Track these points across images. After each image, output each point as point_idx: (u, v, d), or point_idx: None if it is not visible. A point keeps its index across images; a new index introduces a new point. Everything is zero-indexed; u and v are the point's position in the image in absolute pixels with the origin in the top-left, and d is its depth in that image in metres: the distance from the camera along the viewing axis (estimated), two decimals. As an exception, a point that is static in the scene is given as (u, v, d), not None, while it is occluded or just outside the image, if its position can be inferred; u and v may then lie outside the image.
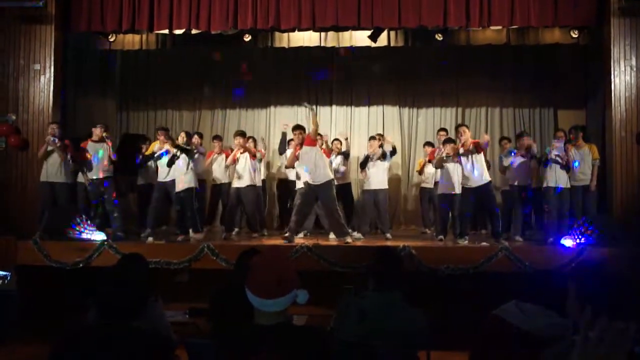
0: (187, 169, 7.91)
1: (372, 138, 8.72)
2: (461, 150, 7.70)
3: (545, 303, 2.89)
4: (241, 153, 8.36)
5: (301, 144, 7.55)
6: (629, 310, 2.24)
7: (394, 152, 8.94)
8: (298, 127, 7.82)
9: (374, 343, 2.97)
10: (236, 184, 8.36)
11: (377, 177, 8.40)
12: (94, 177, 7.95)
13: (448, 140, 8.16)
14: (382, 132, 10.44)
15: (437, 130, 9.99)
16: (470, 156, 7.62)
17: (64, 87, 8.70)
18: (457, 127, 8.24)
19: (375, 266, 3.22)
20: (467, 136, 7.73)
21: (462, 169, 7.73)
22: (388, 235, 8.25)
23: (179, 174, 7.90)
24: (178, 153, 7.87)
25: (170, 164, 7.88)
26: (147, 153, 8.61)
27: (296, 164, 7.90)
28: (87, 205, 8.19)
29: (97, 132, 8.07)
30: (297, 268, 2.30)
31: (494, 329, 2.91)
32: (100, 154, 7.96)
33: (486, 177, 7.65)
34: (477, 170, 7.59)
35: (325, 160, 7.70)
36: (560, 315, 2.86)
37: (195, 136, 9.47)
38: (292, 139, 9.37)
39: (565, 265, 6.53)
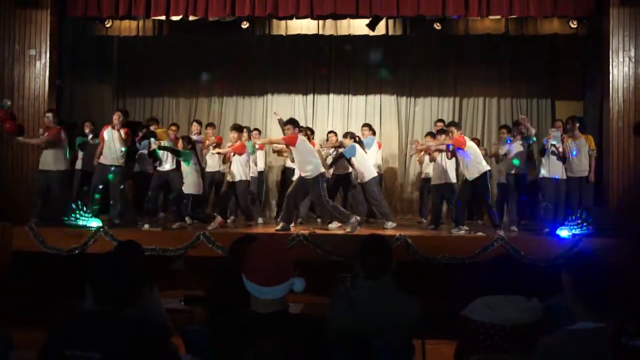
0: (191, 171, 7.97)
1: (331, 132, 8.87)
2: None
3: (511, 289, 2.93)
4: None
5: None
6: (622, 299, 2.25)
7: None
8: (288, 122, 7.75)
9: (366, 332, 2.97)
10: (228, 177, 8.38)
11: (364, 167, 8.40)
12: (103, 163, 7.90)
13: (441, 132, 8.21)
14: (379, 121, 10.50)
15: (434, 121, 9.98)
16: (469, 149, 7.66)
17: (60, 73, 8.64)
18: (448, 125, 8.23)
19: (362, 254, 3.21)
20: (452, 137, 7.74)
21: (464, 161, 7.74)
22: (389, 224, 8.19)
23: (185, 175, 8.00)
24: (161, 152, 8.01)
25: (151, 154, 7.92)
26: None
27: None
28: (86, 190, 8.15)
29: (114, 118, 7.96)
30: (294, 256, 2.30)
31: (465, 330, 2.94)
32: (112, 141, 7.88)
33: (484, 168, 7.63)
34: (475, 162, 7.59)
35: (314, 154, 7.76)
36: (528, 298, 2.91)
37: (194, 124, 9.46)
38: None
39: (561, 255, 6.56)
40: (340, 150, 8.65)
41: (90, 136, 8.70)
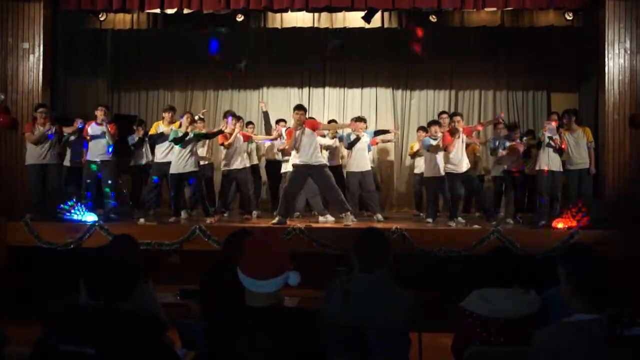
0: (192, 151, 7.83)
1: (359, 119, 8.69)
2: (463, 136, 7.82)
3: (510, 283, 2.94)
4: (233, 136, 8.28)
5: (301, 126, 7.48)
6: (617, 290, 2.26)
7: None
8: (300, 108, 7.68)
9: (361, 324, 2.97)
10: (223, 167, 8.32)
11: (361, 159, 8.40)
12: (93, 159, 7.86)
13: (433, 123, 8.36)
14: (375, 114, 10.43)
15: (438, 113, 9.90)
16: (461, 143, 7.70)
17: (54, 66, 8.57)
18: (451, 115, 8.23)
19: (359, 247, 3.19)
20: (461, 125, 7.83)
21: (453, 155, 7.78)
22: (379, 216, 8.22)
23: (184, 156, 7.74)
24: (191, 134, 7.78)
25: (179, 141, 7.71)
26: (151, 132, 8.41)
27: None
28: (79, 186, 8.10)
29: (99, 114, 7.89)
30: (290, 249, 2.28)
31: (462, 322, 2.95)
32: (101, 137, 7.85)
33: (468, 164, 7.85)
34: (464, 157, 7.72)
35: (319, 145, 7.76)
36: (525, 290, 2.92)
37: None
38: (282, 120, 9.32)
39: (557, 248, 6.57)
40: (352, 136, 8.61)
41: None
